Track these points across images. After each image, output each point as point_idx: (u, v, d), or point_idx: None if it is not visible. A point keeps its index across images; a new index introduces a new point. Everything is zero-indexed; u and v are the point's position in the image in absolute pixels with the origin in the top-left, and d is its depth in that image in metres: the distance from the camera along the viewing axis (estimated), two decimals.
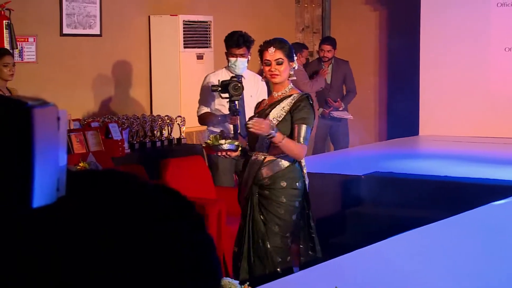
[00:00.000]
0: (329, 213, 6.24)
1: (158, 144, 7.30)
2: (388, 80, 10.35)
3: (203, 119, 6.21)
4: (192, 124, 7.92)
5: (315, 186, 6.40)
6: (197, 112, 6.25)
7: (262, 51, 4.59)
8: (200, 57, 8.17)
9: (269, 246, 4.45)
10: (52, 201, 0.87)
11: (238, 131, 5.93)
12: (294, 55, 4.64)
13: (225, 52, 6.20)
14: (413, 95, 9.25)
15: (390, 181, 6.28)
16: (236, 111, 5.84)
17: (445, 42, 9.04)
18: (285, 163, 4.48)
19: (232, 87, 5.73)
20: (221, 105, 6.15)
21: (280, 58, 4.51)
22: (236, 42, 6.03)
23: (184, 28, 7.94)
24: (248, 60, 6.17)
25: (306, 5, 10.66)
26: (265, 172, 4.50)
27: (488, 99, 8.83)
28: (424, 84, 9.14)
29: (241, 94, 5.81)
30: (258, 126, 4.28)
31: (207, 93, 6.16)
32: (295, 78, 4.67)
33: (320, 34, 10.57)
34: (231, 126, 6.01)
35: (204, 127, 6.70)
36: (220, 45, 8.68)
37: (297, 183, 4.51)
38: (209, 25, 8.28)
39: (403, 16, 10.03)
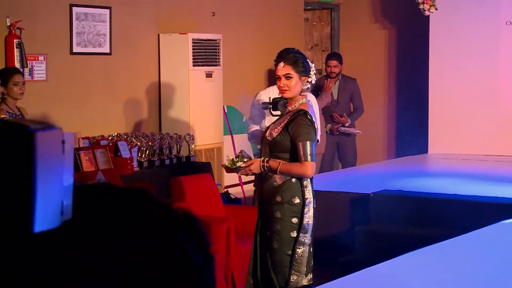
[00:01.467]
0: (338, 231, 6.22)
1: (167, 162, 7.31)
2: (397, 98, 10.34)
3: (252, 136, 6.21)
4: (201, 142, 7.93)
5: (324, 204, 6.39)
6: (248, 129, 6.26)
7: (275, 66, 4.60)
8: (209, 75, 8.18)
9: (270, 263, 4.43)
10: (56, 225, 0.87)
11: None
12: (310, 70, 4.55)
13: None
14: (422, 113, 9.24)
15: (399, 199, 6.26)
16: None
17: (454, 60, 9.03)
18: (279, 179, 4.45)
19: (281, 105, 5.76)
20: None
21: (289, 74, 4.47)
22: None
23: (193, 46, 7.97)
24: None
25: (315, 23, 10.69)
26: (265, 188, 4.51)
27: (498, 118, 8.80)
28: (433, 102, 9.13)
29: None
30: (249, 170, 4.44)
31: (256, 111, 6.17)
32: (304, 93, 4.64)
33: (329, 52, 10.58)
34: None
35: (214, 145, 6.70)
36: (229, 63, 8.72)
37: (294, 199, 4.42)
38: (218, 43, 8.30)
39: (412, 34, 10.04)
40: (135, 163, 7.05)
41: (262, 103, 5.87)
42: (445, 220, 5.94)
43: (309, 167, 4.34)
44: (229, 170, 4.60)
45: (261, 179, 4.52)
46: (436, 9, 8.98)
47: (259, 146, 6.17)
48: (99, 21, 7.53)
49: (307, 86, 4.54)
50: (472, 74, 8.93)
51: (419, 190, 6.44)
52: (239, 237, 5.74)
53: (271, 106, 5.79)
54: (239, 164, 4.50)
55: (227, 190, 8.21)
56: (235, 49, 9.00)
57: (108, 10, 7.59)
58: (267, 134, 4.57)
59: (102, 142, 6.97)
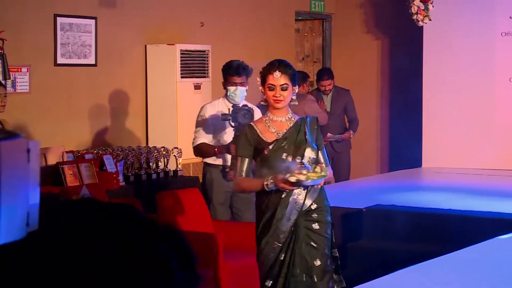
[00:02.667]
0: None
1: (154, 176, 7.28)
2: (390, 110, 10.36)
3: (199, 150, 6.21)
4: (189, 155, 7.90)
5: None
6: (193, 143, 6.25)
7: (266, 74, 4.53)
8: (197, 87, 8.18)
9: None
10: (21, 236, 0.86)
11: None
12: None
13: (223, 82, 6.22)
14: (416, 126, 9.25)
15: (392, 214, 6.25)
16: None
17: (448, 72, 9.06)
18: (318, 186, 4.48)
19: (242, 115, 5.77)
20: (222, 134, 6.16)
21: (286, 84, 4.45)
22: (237, 70, 6.06)
23: (181, 57, 7.96)
24: (246, 89, 6.18)
25: (306, 34, 10.71)
26: (309, 198, 4.46)
27: (493, 131, 8.83)
28: (427, 114, 9.14)
29: (251, 122, 5.83)
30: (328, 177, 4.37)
31: (203, 124, 6.17)
32: (296, 103, 4.63)
33: (321, 63, 10.60)
34: (229, 157, 6.02)
35: (200, 159, 6.68)
36: (218, 75, 8.70)
37: (326, 200, 4.60)
38: (207, 54, 8.30)
39: (405, 45, 10.07)
40: (120, 178, 7.02)
41: (222, 114, 5.90)
42: (440, 235, 5.94)
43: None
44: (298, 184, 4.33)
45: (300, 193, 4.46)
46: (430, 20, 9.01)
47: (206, 159, 6.18)
48: (84, 32, 7.52)
49: (295, 96, 4.55)
50: (467, 86, 8.95)
51: (412, 205, 6.43)
52: (228, 254, 5.72)
53: (231, 117, 5.83)
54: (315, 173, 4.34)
55: None
56: (224, 60, 8.97)
57: (93, 21, 7.58)
58: (299, 152, 4.46)
59: (87, 156, 6.94)
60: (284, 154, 4.44)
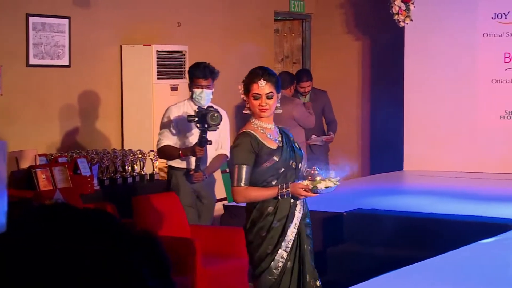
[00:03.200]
0: None
1: (130, 180, 7.27)
2: (371, 112, 10.40)
3: (164, 152, 6.25)
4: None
5: None
6: (157, 145, 6.29)
7: (249, 83, 4.51)
8: (174, 88, 8.17)
9: (319, 284, 4.48)
10: None
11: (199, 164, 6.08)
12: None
13: (188, 84, 6.26)
14: (397, 128, 9.29)
15: (373, 219, 6.28)
16: (207, 141, 5.95)
17: (430, 73, 9.11)
18: None
19: (210, 117, 5.83)
20: (186, 137, 6.19)
21: (271, 92, 4.44)
22: (203, 73, 6.13)
23: (157, 58, 7.95)
24: (212, 92, 6.23)
25: (285, 34, 10.74)
26: (304, 205, 4.54)
27: (475, 133, 8.89)
28: (409, 116, 9.19)
29: (219, 124, 5.89)
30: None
31: (168, 126, 6.23)
32: (280, 111, 4.62)
33: (300, 64, 10.63)
34: (193, 159, 6.07)
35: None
36: None
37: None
38: (184, 55, 8.29)
39: (386, 46, 10.12)
40: (95, 181, 7.00)
41: (188, 116, 5.96)
42: (422, 240, 5.97)
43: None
44: (316, 191, 4.35)
45: (305, 201, 4.54)
46: (411, 20, 9.06)
47: (170, 162, 6.23)
48: (57, 32, 7.49)
49: (278, 104, 4.56)
50: (449, 88, 9.01)
51: (394, 209, 6.47)
52: (207, 259, 5.71)
53: (197, 119, 5.91)
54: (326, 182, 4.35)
55: None
56: (202, 61, 8.98)
57: (67, 20, 7.55)
58: (298, 165, 4.49)
59: (60, 160, 6.91)
60: (291, 161, 4.45)
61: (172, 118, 6.20)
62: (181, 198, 6.21)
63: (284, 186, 4.35)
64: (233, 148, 4.50)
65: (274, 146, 4.45)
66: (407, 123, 9.21)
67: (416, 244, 5.93)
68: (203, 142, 5.96)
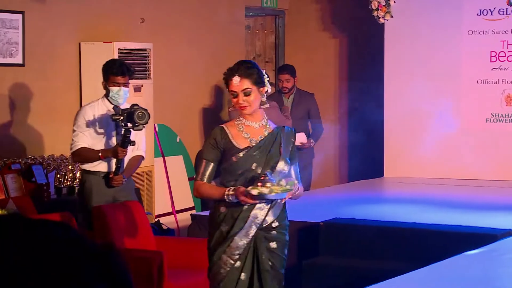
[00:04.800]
0: None
1: None
2: (349, 115, 10.45)
3: (80, 155, 6.26)
4: None
5: None
6: (71, 148, 6.31)
7: (226, 80, 4.54)
8: (137, 89, 8.16)
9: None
10: None
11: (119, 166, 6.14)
12: (265, 78, 4.54)
13: (103, 82, 6.33)
14: (378, 132, 9.34)
15: (351, 229, 6.31)
16: (130, 142, 6.06)
17: (412, 73, 9.17)
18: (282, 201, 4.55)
19: (137, 115, 5.93)
20: (103, 139, 6.28)
21: (248, 88, 4.46)
22: (120, 69, 6.23)
23: (119, 56, 7.94)
24: (128, 90, 6.33)
25: (257, 31, 10.77)
26: (271, 214, 4.51)
27: (460, 137, 8.96)
28: (389, 120, 9.25)
29: (147, 122, 6.06)
30: (298, 195, 4.47)
31: (83, 127, 6.28)
32: (267, 105, 4.64)
33: (274, 63, 10.67)
34: (113, 162, 6.10)
35: (144, 168, 6.68)
36: (160, 76, 8.71)
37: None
38: (148, 53, 8.29)
39: (365, 44, 10.18)
40: (52, 190, 6.97)
41: (112, 114, 6.02)
42: (403, 251, 6.01)
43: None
44: (260, 197, 4.34)
45: (262, 207, 4.50)
46: (392, 17, 9.13)
47: (84, 166, 6.26)
48: (10, 28, 7.45)
49: (265, 98, 4.56)
50: (432, 89, 9.08)
51: (374, 218, 6.50)
52: (173, 273, 5.72)
53: (123, 117, 5.98)
54: (277, 188, 4.35)
55: (159, 220, 8.17)
56: (168, 60, 9.00)
57: (20, 15, 7.52)
58: (271, 163, 4.48)
59: (14, 166, 6.88)
60: (254, 164, 4.46)
61: (87, 119, 6.25)
62: (93, 204, 6.23)
63: (230, 189, 4.40)
64: (204, 141, 4.62)
65: (243, 145, 4.48)
66: (388, 126, 9.26)
67: (397, 256, 5.97)
68: (126, 142, 6.05)
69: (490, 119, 8.94)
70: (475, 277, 4.90)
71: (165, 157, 8.89)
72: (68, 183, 7.16)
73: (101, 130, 6.28)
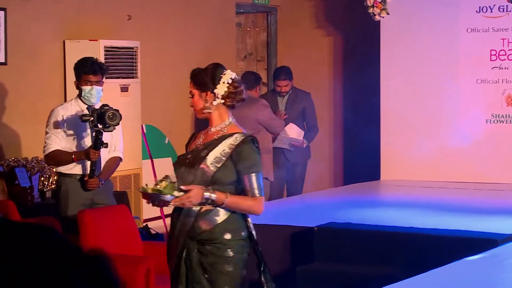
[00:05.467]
0: (277, 271, 6.23)
1: None
2: (344, 115, 10.45)
3: (53, 158, 6.28)
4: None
5: (260, 239, 6.39)
6: (44, 150, 6.34)
7: None
8: (124, 89, 8.15)
9: None
10: None
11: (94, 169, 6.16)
12: (215, 80, 4.52)
13: (75, 82, 6.37)
14: (374, 133, 9.34)
15: (346, 234, 6.31)
16: (103, 143, 6.09)
17: (409, 72, 9.18)
18: (224, 213, 4.47)
19: (108, 116, 5.96)
20: (77, 141, 6.30)
21: (191, 91, 4.63)
22: (92, 68, 6.27)
23: (105, 55, 7.93)
24: (102, 89, 6.34)
25: (248, 29, 10.76)
26: (203, 225, 4.48)
27: (459, 139, 8.95)
28: (386, 121, 9.25)
29: (118, 123, 6.10)
30: (187, 201, 4.38)
31: (56, 129, 6.30)
32: (210, 111, 4.62)
33: (265, 62, 10.66)
34: (88, 163, 6.13)
35: (131, 171, 6.67)
36: (148, 75, 8.69)
37: (242, 233, 4.52)
38: (135, 51, 8.28)
39: (360, 42, 10.18)
40: (36, 193, 6.95)
41: (82, 115, 6.06)
42: (400, 257, 6.01)
43: (262, 203, 4.50)
44: (152, 197, 4.42)
45: (190, 213, 4.49)
46: (388, 14, 9.14)
47: (59, 169, 6.27)
48: None
49: (217, 102, 4.56)
50: (430, 89, 9.08)
51: (370, 223, 6.51)
52: (161, 279, 5.71)
53: (93, 118, 6.01)
54: (168, 190, 4.39)
55: (147, 224, 8.16)
56: (156, 59, 8.98)
57: (2, 12, 7.50)
58: (195, 167, 4.50)
59: None
60: (183, 168, 4.54)
61: (59, 120, 6.28)
62: (69, 208, 6.23)
63: None
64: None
65: (190, 149, 4.64)
66: (384, 127, 9.27)
67: (394, 262, 5.97)
68: (98, 144, 6.07)
69: (490, 120, 8.95)
70: (476, 283, 4.90)
71: (153, 159, 8.87)
72: (53, 186, 7.14)
73: (74, 132, 6.29)
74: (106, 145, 6.14)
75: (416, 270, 5.09)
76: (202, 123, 9.41)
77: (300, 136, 8.94)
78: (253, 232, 4.58)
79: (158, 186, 4.37)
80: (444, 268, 5.14)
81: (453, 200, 7.93)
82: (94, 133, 6.10)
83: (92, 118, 6.06)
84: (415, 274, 4.98)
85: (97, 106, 6.23)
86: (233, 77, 4.54)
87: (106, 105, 6.17)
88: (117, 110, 6.11)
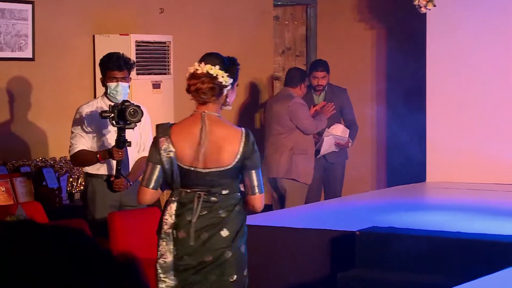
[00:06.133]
0: (316, 277, 6.23)
1: None
2: (388, 114, 10.41)
3: (79, 158, 6.34)
4: None
5: (297, 244, 6.39)
6: (69, 150, 6.40)
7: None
8: (156, 86, 8.18)
9: None
10: None
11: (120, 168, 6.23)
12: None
13: (101, 78, 6.44)
14: (419, 132, 9.30)
15: (390, 239, 6.28)
16: (126, 142, 6.12)
17: (457, 69, 9.10)
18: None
19: (129, 112, 5.98)
20: (103, 139, 6.35)
21: None
22: (117, 63, 6.30)
23: (137, 50, 7.97)
24: (129, 85, 6.35)
25: (287, 22, 10.76)
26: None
27: (510, 138, 8.87)
28: (432, 119, 9.19)
29: (140, 120, 6.11)
30: None
31: (81, 128, 6.36)
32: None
33: (304, 57, 10.65)
34: (114, 163, 6.15)
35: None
36: (181, 72, 8.71)
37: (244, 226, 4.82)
38: (168, 46, 8.31)
39: (405, 36, 10.13)
40: (64, 195, 7.00)
41: (101, 112, 6.09)
42: (447, 263, 5.98)
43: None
44: None
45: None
46: (435, 6, 9.07)
47: (86, 169, 6.31)
48: (19, 19, 7.50)
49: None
50: (480, 87, 9.00)
51: (415, 227, 6.47)
52: None
53: (113, 115, 6.03)
54: None
55: None
56: (189, 54, 8.99)
57: (30, 6, 7.57)
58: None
59: (23, 169, 6.92)
60: None
61: (84, 119, 6.32)
62: (97, 209, 6.28)
63: None
64: (256, 151, 4.68)
65: None
66: (430, 126, 9.21)
67: (441, 269, 5.93)
68: (121, 142, 6.09)
69: None
70: None
71: None
72: (81, 187, 7.19)
73: (99, 130, 6.33)
74: (129, 144, 6.17)
75: (464, 278, 5.06)
76: (240, 122, 9.44)
77: (346, 135, 8.92)
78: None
79: None
80: (494, 275, 5.10)
81: (504, 203, 7.87)
82: (117, 131, 6.15)
83: (112, 115, 6.10)
84: (463, 282, 4.95)
85: None
86: (191, 71, 4.69)
87: (127, 101, 6.21)
88: (139, 106, 6.14)
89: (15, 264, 1.03)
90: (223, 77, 4.65)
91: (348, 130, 8.97)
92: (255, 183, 4.61)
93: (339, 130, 8.93)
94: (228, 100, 4.75)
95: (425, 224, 6.64)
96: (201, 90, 4.63)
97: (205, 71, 4.63)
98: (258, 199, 4.63)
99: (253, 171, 4.62)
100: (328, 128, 8.82)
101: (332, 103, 8.76)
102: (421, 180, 9.19)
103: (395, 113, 10.21)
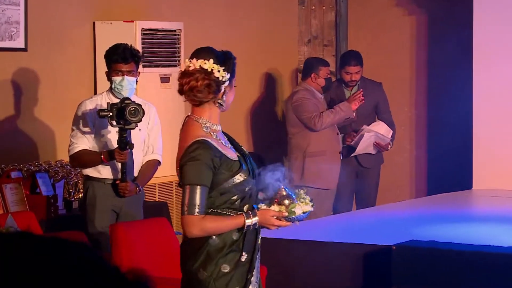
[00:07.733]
0: None
1: None
2: (429, 113, 10.40)
3: (79, 159, 6.40)
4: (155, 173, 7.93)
5: (327, 259, 6.41)
6: (69, 150, 6.45)
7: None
8: (165, 79, 8.21)
9: None
10: None
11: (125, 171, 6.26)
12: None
13: (106, 72, 6.50)
14: (464, 134, 9.29)
15: (431, 254, 6.29)
16: (128, 143, 6.17)
17: (508, 62, 9.08)
18: None
19: (129, 111, 6.02)
20: (107, 139, 6.41)
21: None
22: (123, 55, 6.37)
23: (143, 39, 8.00)
24: (137, 80, 6.41)
25: (313, 7, 10.77)
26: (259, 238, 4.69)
27: None
28: (479, 120, 9.17)
29: (141, 120, 6.18)
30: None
31: (82, 126, 6.42)
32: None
33: (333, 47, 10.65)
34: (119, 165, 6.23)
35: (172, 177, 6.72)
36: None
37: None
38: (178, 35, 8.33)
39: (448, 23, 10.12)
40: (60, 203, 7.03)
41: (99, 110, 6.13)
42: (496, 282, 5.98)
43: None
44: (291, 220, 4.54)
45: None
46: None
47: (86, 171, 6.35)
48: (9, 4, 7.54)
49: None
50: None
51: (459, 241, 6.48)
52: None
53: (111, 114, 6.07)
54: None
55: None
56: (202, 43, 8.97)
57: None
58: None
59: (14, 174, 6.95)
60: (250, 179, 4.62)
61: (87, 115, 6.37)
62: (96, 216, 6.37)
63: (251, 214, 4.48)
64: (187, 165, 4.56)
65: (233, 157, 4.61)
66: (477, 127, 9.19)
67: (488, 287, 5.94)
68: (122, 144, 6.16)
69: None
70: None
71: None
72: (80, 195, 7.23)
73: (103, 129, 6.37)
74: (132, 146, 6.22)
75: None
76: (259, 119, 9.45)
77: (388, 135, 8.86)
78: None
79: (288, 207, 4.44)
80: None
81: None
82: (118, 131, 6.22)
83: (110, 114, 6.14)
84: None
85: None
86: (182, 69, 4.76)
87: (128, 98, 6.27)
88: (140, 105, 6.19)
89: (11, 282, 1.02)
90: (219, 71, 4.61)
91: (391, 131, 8.89)
92: (185, 201, 4.47)
93: (382, 129, 8.88)
94: (225, 100, 4.71)
95: (470, 237, 6.64)
96: (196, 88, 4.60)
97: (198, 67, 4.61)
98: (184, 222, 4.49)
99: (186, 186, 4.49)
100: (368, 125, 8.78)
101: (361, 90, 8.70)
102: (466, 187, 9.19)
103: (437, 112, 10.19)
